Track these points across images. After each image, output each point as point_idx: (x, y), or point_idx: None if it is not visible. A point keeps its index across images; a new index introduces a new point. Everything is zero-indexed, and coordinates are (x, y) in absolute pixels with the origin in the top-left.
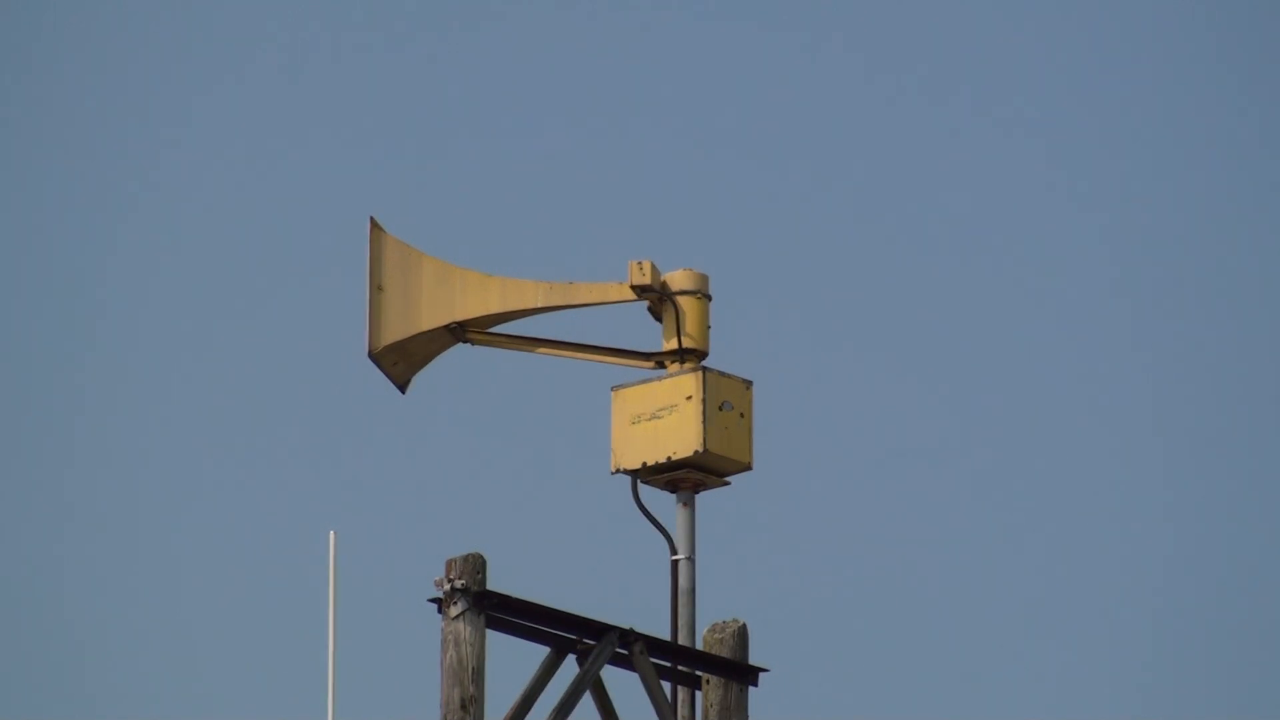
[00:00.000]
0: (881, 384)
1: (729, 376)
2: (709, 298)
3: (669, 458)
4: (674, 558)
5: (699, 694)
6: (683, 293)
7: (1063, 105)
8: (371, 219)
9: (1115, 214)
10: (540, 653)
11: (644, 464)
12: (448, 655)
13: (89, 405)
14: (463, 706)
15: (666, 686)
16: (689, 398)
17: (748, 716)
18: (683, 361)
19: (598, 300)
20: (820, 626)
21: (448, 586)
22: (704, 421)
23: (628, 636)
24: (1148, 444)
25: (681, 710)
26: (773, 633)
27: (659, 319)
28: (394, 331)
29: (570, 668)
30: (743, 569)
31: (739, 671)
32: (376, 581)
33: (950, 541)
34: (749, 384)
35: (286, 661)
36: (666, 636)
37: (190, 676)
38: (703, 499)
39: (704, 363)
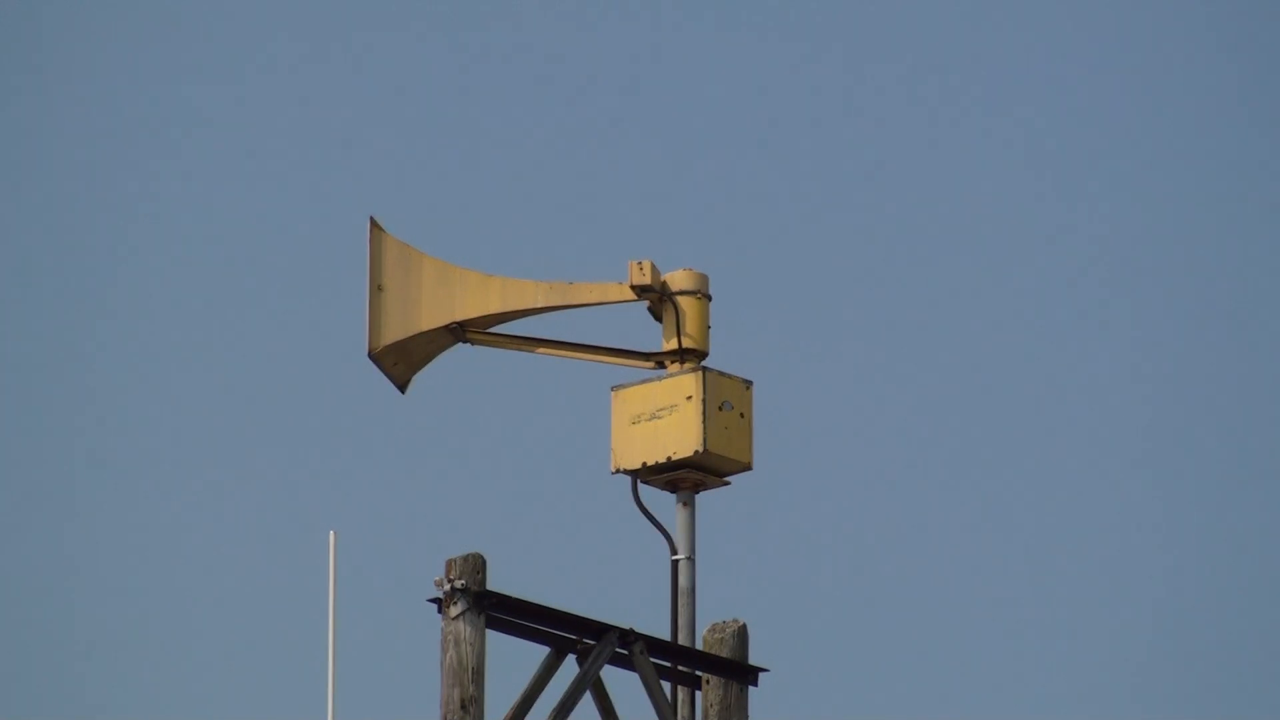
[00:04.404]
0: (882, 384)
1: (729, 376)
2: (709, 298)
3: (669, 458)
4: (674, 558)
5: (699, 694)
6: (683, 293)
7: (1064, 106)
8: (371, 219)
9: (1116, 216)
10: (540, 653)
11: (644, 464)
12: (448, 655)
13: (89, 405)
14: (463, 706)
15: (666, 686)
16: (689, 398)
17: (748, 716)
18: (683, 361)
19: (598, 300)
20: (820, 626)
21: (448, 586)
22: (704, 421)
23: (628, 636)
24: (1147, 445)
25: (681, 710)
26: (773, 633)
27: (659, 319)
28: (394, 331)
29: (570, 668)
30: (743, 569)
31: (739, 671)
32: (376, 581)
33: (950, 541)
34: (749, 384)
35: (286, 661)
36: (666, 636)
37: (190, 676)
38: (703, 499)
39: (704, 363)
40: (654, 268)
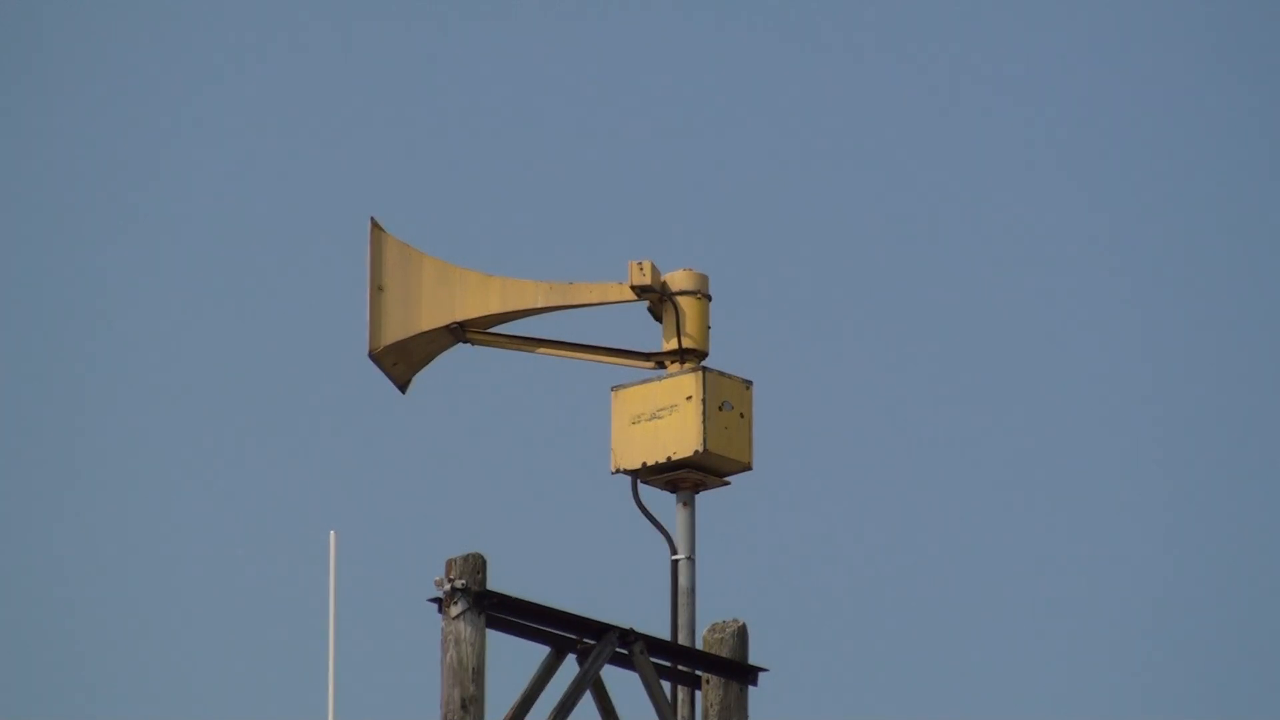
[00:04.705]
0: (882, 384)
1: (729, 376)
2: (709, 298)
3: (669, 458)
4: (674, 558)
5: (699, 694)
6: (683, 293)
7: (1065, 105)
8: (371, 219)
9: (1116, 215)
10: (540, 653)
11: (644, 464)
12: (448, 655)
13: (88, 405)
14: (463, 706)
15: (666, 686)
16: (689, 398)
17: (748, 716)
18: (683, 361)
19: (598, 300)
20: (820, 626)
21: (448, 586)
22: (704, 421)
23: (628, 636)
24: (1149, 444)
25: (681, 710)
26: (773, 633)
27: (659, 319)
28: (394, 331)
29: (570, 668)
30: (743, 569)
31: (739, 671)
32: (376, 581)
33: (950, 541)
34: (749, 384)
35: (286, 661)
36: (666, 636)
37: (190, 676)
38: (703, 499)
39: (704, 363)
40: (654, 268)
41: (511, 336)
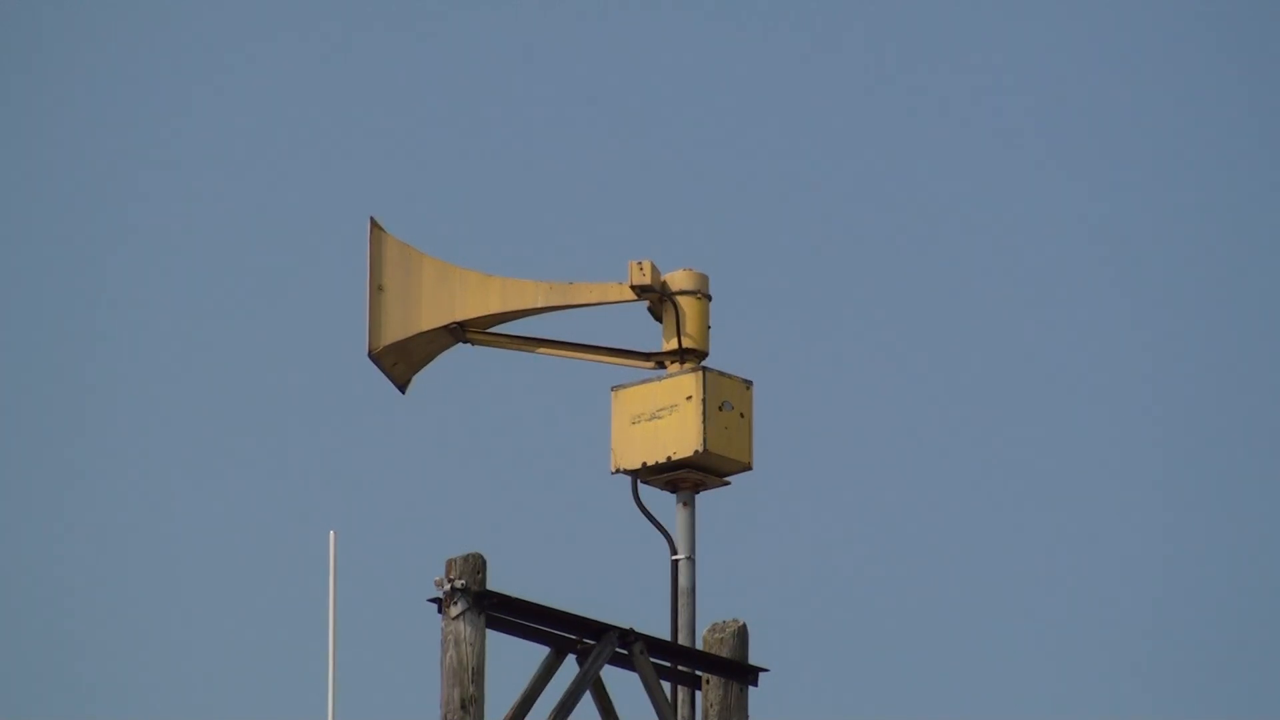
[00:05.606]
0: (882, 384)
1: (729, 376)
2: (709, 298)
3: (669, 458)
4: (674, 558)
5: (699, 694)
6: (683, 293)
7: (1064, 105)
8: (371, 219)
9: (1117, 215)
10: (540, 653)
11: (644, 464)
12: (448, 655)
13: (88, 404)
14: (463, 706)
15: (666, 686)
16: (689, 398)
17: (748, 716)
18: (683, 361)
19: (598, 300)
20: (820, 626)
21: (448, 586)
22: (704, 421)
23: (628, 636)
24: (1149, 444)
25: (681, 710)
26: (773, 633)
27: (659, 319)
28: (394, 331)
29: (570, 668)
30: (743, 569)
31: (739, 671)
32: (376, 581)
33: (950, 541)
34: (749, 384)
35: (286, 661)
36: (666, 636)
37: (190, 676)
38: (703, 499)
39: (704, 363)
40: (654, 268)
41: (511, 336)
